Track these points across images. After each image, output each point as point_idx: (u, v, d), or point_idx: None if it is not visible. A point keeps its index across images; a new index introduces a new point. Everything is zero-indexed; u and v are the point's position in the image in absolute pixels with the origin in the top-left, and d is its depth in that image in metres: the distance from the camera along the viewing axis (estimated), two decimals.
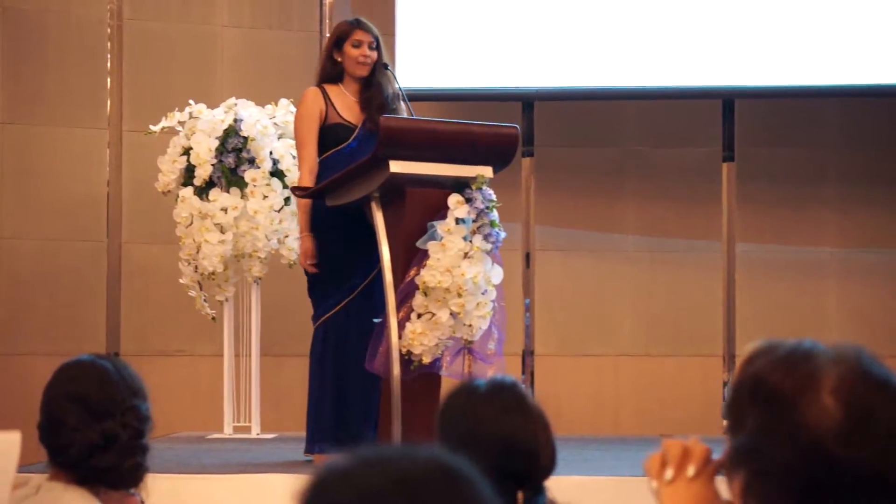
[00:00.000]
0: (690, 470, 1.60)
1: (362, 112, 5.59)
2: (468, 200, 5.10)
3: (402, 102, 5.62)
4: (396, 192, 5.12)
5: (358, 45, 5.58)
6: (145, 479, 2.66)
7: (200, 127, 6.38)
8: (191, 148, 6.37)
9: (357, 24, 5.63)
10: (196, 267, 6.37)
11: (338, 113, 5.58)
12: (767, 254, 7.79)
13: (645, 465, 1.65)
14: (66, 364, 2.65)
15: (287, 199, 6.36)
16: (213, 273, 6.34)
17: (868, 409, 1.42)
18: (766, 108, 7.70)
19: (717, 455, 1.61)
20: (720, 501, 1.59)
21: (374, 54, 5.58)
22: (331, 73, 5.64)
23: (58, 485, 2.59)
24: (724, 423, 1.56)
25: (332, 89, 5.62)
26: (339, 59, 5.61)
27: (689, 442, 1.63)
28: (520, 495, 2.37)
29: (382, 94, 5.56)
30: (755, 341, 1.55)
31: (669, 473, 1.61)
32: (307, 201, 5.51)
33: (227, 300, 6.54)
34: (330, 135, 5.57)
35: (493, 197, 5.18)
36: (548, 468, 2.44)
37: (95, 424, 2.56)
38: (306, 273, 5.62)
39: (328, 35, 6.20)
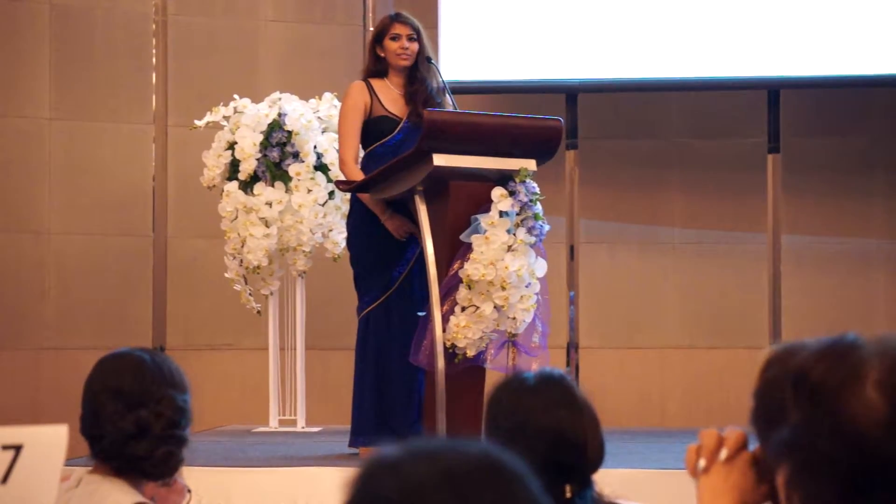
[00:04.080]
0: (723, 453, 1.59)
1: (407, 105, 5.61)
2: (512, 193, 5.10)
3: (446, 96, 5.63)
4: (440, 186, 5.12)
5: (397, 37, 5.61)
6: (180, 469, 2.68)
7: (245, 121, 6.41)
8: (235, 142, 6.40)
9: (395, 18, 5.68)
10: (241, 261, 6.40)
11: (383, 106, 5.60)
12: (814, 245, 7.74)
13: (685, 459, 1.64)
14: (104, 357, 2.70)
15: (331, 193, 6.38)
16: (258, 267, 6.37)
17: None
18: (812, 98, 7.65)
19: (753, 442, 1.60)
20: (759, 491, 1.58)
21: (415, 45, 5.60)
22: (375, 68, 5.67)
23: (97, 477, 2.63)
24: (753, 427, 1.55)
25: (377, 83, 5.65)
26: (382, 54, 5.64)
27: (725, 432, 1.63)
28: (568, 488, 2.37)
29: (427, 88, 5.58)
30: (771, 346, 1.55)
31: (702, 463, 1.60)
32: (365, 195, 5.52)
33: (272, 294, 6.56)
34: (375, 127, 5.59)
35: (537, 190, 5.17)
36: (596, 461, 2.43)
37: (129, 414, 2.59)
38: (352, 266, 5.65)
39: (371, 29, 6.24)
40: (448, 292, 5.08)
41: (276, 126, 6.39)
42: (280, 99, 6.51)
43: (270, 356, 6.65)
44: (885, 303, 7.70)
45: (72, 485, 2.65)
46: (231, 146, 6.43)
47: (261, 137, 6.38)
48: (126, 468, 2.61)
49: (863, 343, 1.46)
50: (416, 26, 5.65)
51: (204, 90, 7.45)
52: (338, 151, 5.78)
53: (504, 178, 5.13)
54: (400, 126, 5.59)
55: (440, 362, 5.03)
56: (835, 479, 1.42)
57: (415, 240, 5.40)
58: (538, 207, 5.15)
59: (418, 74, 5.61)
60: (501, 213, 5.08)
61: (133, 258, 7.58)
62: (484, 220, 5.07)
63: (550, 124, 5.32)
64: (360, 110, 5.58)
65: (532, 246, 5.14)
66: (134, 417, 2.59)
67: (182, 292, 7.59)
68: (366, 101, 5.60)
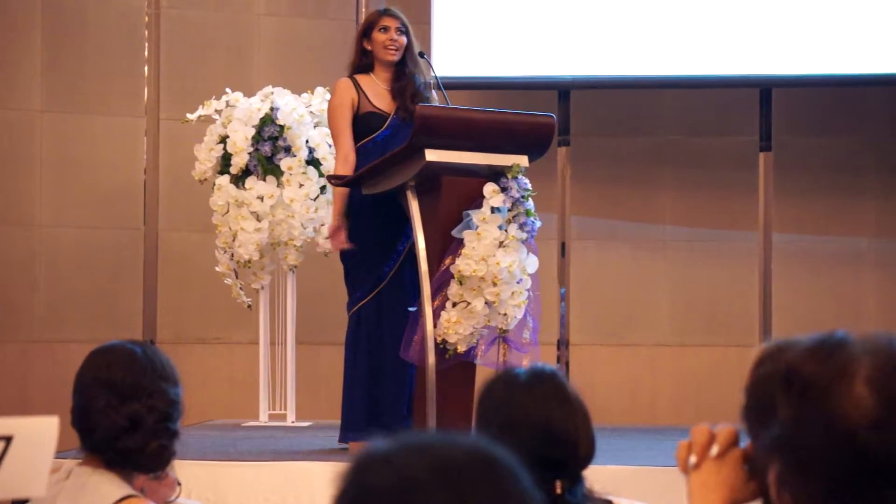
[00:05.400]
0: (714, 449, 1.59)
1: (394, 100, 5.60)
2: (504, 189, 5.10)
3: (434, 91, 5.63)
4: (432, 181, 5.12)
5: (385, 29, 5.60)
6: (172, 462, 2.67)
7: (237, 115, 6.40)
8: (227, 136, 6.40)
9: (384, 12, 5.69)
10: (232, 255, 6.39)
11: (370, 102, 5.60)
12: (805, 244, 7.75)
13: (675, 455, 1.64)
14: (96, 349, 2.69)
15: (323, 188, 6.38)
16: (248, 261, 6.36)
17: None
18: (804, 97, 7.66)
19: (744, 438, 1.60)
20: (750, 487, 1.58)
21: (403, 39, 5.60)
22: (361, 63, 5.66)
23: (87, 469, 2.62)
24: (744, 424, 1.55)
25: (363, 79, 5.64)
26: (369, 48, 5.63)
27: (716, 428, 1.63)
28: (558, 484, 2.36)
29: (415, 82, 5.57)
30: (762, 343, 1.55)
31: (693, 459, 1.60)
32: (344, 189, 5.53)
33: (262, 288, 6.56)
34: (362, 124, 5.59)
35: (529, 186, 5.17)
36: (586, 458, 2.43)
37: (121, 407, 2.59)
38: (342, 261, 5.65)
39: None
40: (439, 288, 5.08)
41: (268, 120, 6.39)
42: (272, 93, 6.51)
43: (261, 350, 6.64)
44: (876, 301, 7.71)
45: (62, 476, 2.65)
46: (223, 140, 6.42)
47: (253, 131, 6.37)
48: (117, 461, 2.61)
49: (852, 340, 1.46)
50: (405, 21, 5.66)
51: (196, 84, 7.45)
52: (331, 147, 5.77)
53: (496, 174, 5.13)
54: (388, 122, 5.58)
55: (431, 358, 5.04)
56: (824, 476, 1.42)
57: (406, 235, 5.40)
58: (530, 204, 5.15)
59: (406, 70, 5.60)
60: (493, 209, 5.08)
61: (124, 251, 7.58)
62: (476, 215, 5.07)
63: (543, 121, 5.32)
64: (347, 107, 5.58)
65: (523, 242, 5.15)
66: (126, 411, 2.58)
67: (173, 286, 7.59)
68: (353, 98, 5.60)
